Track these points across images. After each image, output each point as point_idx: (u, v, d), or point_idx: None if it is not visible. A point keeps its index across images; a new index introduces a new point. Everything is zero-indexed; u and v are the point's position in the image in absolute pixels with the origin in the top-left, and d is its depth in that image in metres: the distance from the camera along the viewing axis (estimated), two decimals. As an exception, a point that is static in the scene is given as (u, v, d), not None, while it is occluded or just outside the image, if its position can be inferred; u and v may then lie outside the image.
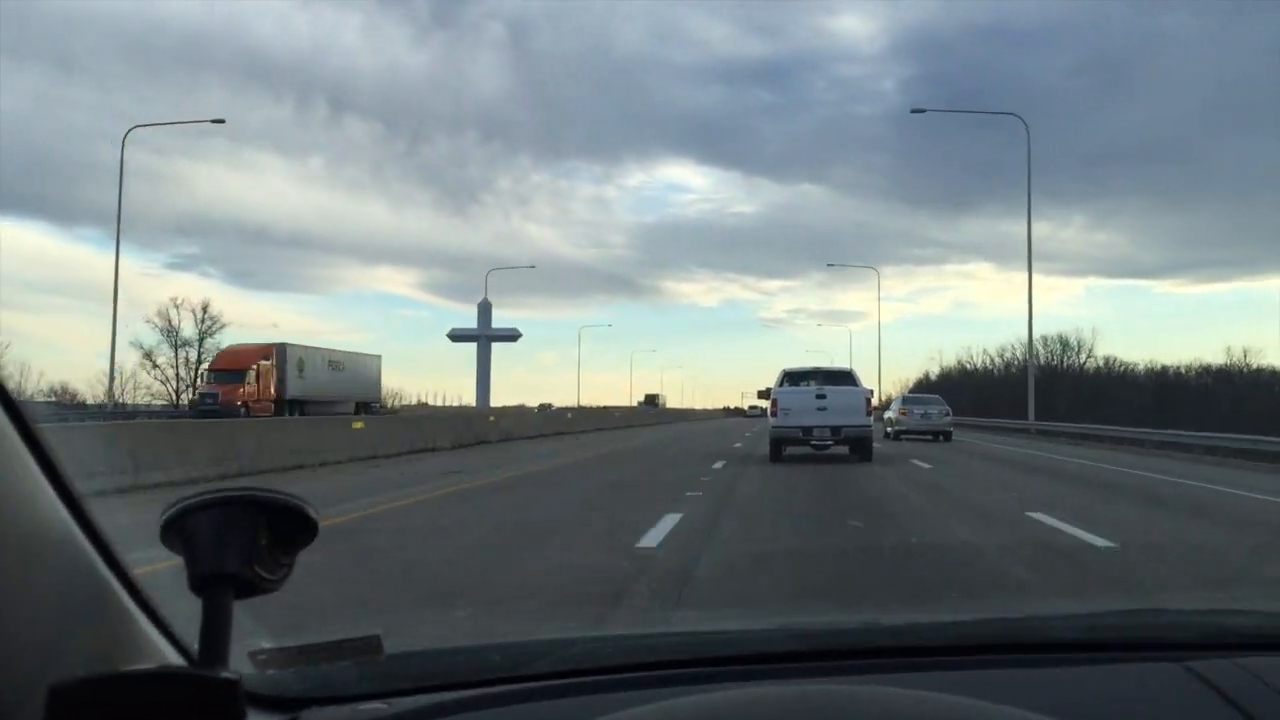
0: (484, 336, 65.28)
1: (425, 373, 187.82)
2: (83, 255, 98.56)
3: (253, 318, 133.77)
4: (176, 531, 0.90)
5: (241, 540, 0.89)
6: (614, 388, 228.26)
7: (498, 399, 72.90)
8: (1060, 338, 75.89)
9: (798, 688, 1.04)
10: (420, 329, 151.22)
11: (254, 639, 1.07)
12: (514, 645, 1.39)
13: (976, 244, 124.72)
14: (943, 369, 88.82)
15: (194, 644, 0.92)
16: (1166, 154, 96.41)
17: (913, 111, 41.99)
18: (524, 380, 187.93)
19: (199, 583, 0.90)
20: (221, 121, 47.46)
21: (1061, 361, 74.17)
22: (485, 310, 65.41)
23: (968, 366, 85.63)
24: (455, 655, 1.39)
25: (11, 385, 0.80)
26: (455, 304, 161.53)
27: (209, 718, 0.80)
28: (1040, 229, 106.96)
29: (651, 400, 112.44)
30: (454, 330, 67.47)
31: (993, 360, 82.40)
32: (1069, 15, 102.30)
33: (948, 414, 31.52)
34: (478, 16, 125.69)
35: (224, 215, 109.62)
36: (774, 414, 18.86)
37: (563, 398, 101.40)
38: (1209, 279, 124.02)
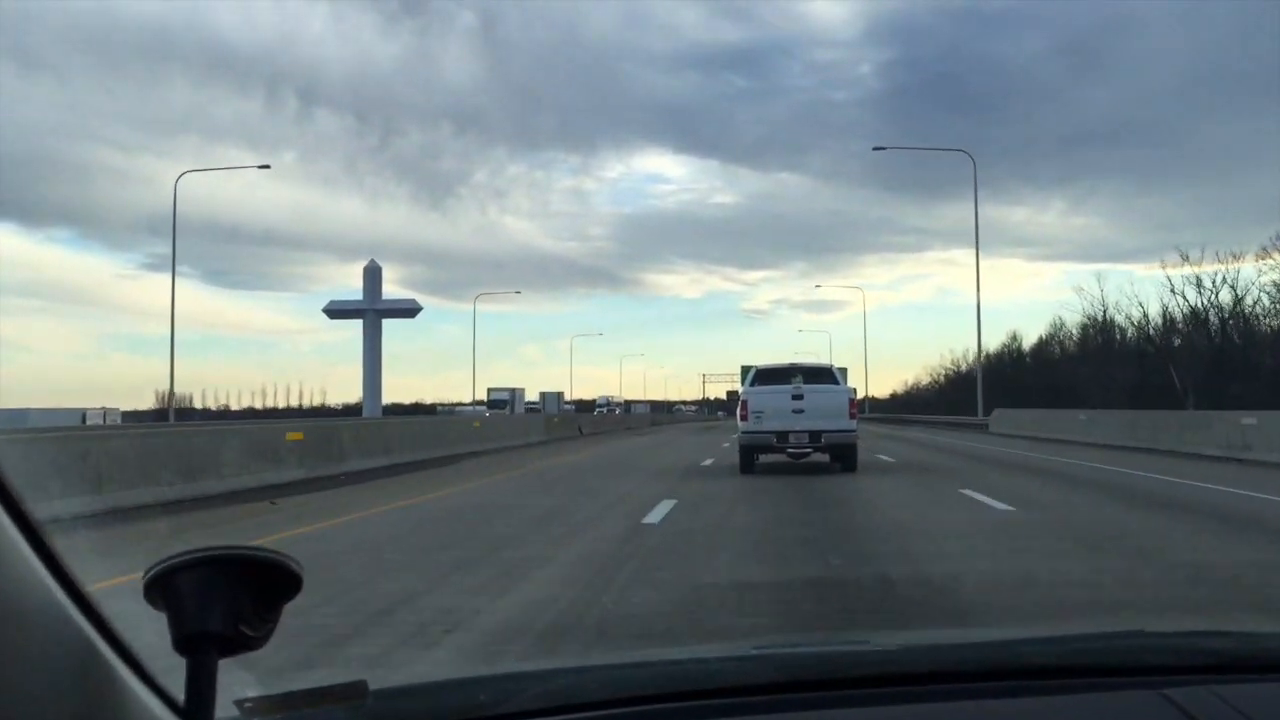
0: (371, 311, 50.59)
1: (415, 372, 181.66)
2: (54, 257, 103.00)
3: (229, 317, 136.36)
4: (159, 590, 0.89)
5: (225, 599, 0.89)
6: (596, 381, 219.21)
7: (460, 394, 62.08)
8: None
9: None
10: (403, 326, 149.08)
11: (239, 686, 1.01)
12: (499, 678, 1.44)
13: (957, 230, 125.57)
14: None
15: (179, 694, 0.92)
16: (1142, 135, 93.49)
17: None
18: (508, 374, 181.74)
19: (183, 643, 0.89)
20: (267, 167, 49.07)
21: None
22: (373, 276, 50.75)
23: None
24: (441, 691, 1.40)
25: None
26: (437, 299, 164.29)
27: None
28: (1019, 214, 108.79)
29: None
30: (332, 304, 53.01)
31: (1058, 337, 59.55)
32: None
33: None
34: (446, 3, 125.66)
35: (196, 213, 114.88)
36: (744, 418, 16.80)
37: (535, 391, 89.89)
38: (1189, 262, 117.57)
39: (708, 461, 19.95)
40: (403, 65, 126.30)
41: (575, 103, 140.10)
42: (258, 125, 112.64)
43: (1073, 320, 56.77)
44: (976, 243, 42.62)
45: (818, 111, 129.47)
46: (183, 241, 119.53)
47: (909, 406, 77.54)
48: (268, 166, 42.43)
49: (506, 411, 64.87)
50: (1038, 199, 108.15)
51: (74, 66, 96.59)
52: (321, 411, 72.68)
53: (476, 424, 29.61)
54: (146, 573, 0.88)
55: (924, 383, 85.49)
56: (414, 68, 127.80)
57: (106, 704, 0.85)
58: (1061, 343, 58.97)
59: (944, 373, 77.57)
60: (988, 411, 39.22)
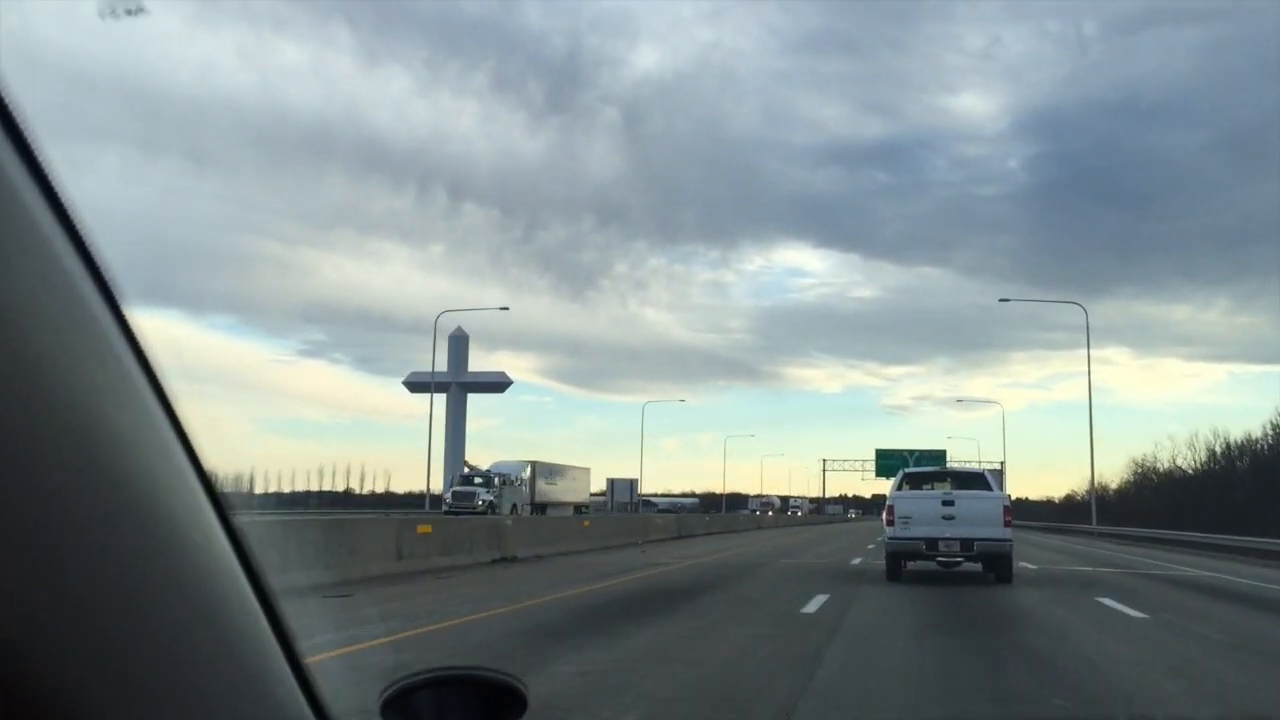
0: (455, 384, 43.51)
1: (549, 456, 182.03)
2: (216, 343, 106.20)
3: (380, 402, 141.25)
4: (398, 709, 0.93)
5: (459, 719, 0.96)
6: (719, 475, 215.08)
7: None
8: None
9: None
10: (542, 414, 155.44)
11: None
12: None
13: (1112, 327, 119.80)
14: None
15: None
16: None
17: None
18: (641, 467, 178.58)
19: None
20: (506, 309, 47.94)
21: None
22: (458, 346, 43.82)
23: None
24: None
25: (217, 480, 0.78)
26: (574, 389, 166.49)
27: None
28: (1180, 312, 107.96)
29: None
30: (412, 375, 46.33)
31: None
32: (1200, 88, 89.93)
33: None
34: (591, 101, 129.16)
35: (349, 303, 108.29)
36: (890, 522, 16.03)
37: (682, 485, 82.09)
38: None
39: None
40: (547, 160, 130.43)
41: (716, 197, 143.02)
42: (409, 219, 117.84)
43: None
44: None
45: (963, 206, 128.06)
46: (335, 329, 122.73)
47: (1082, 514, 66.24)
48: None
49: None
50: (1200, 297, 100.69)
51: (241, 163, 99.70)
52: (389, 499, 66.09)
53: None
54: (383, 691, 0.93)
55: (1114, 485, 73.71)
56: (558, 163, 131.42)
57: None
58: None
59: (1151, 472, 65.76)
60: None
